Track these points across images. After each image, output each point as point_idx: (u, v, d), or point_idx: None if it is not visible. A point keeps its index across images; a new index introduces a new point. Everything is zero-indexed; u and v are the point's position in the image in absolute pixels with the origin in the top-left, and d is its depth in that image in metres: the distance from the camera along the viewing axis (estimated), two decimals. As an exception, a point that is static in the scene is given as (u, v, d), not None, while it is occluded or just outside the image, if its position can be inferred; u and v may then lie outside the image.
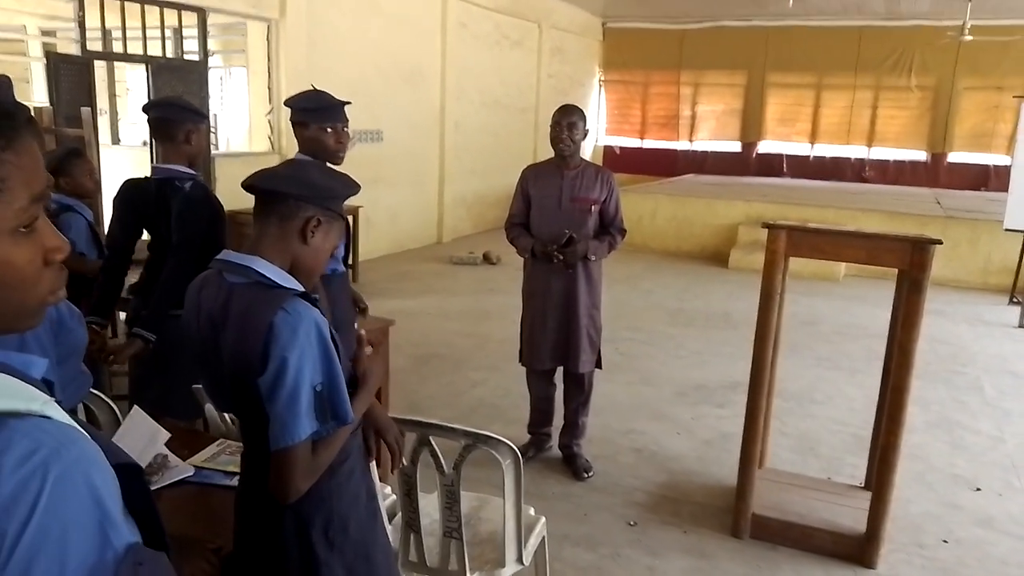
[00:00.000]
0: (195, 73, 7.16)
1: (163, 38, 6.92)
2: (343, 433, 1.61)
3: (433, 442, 2.11)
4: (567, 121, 3.65)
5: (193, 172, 2.96)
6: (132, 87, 10.22)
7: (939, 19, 12.56)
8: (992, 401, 5.26)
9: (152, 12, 6.68)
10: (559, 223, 3.71)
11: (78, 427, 0.72)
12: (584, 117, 3.72)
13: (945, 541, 3.48)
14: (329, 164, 2.85)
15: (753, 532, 3.42)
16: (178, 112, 2.94)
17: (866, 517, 3.26)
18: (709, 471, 4.08)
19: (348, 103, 2.96)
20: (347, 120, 2.94)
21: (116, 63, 9.07)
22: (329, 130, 2.87)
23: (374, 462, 1.88)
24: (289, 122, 2.96)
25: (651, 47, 15.14)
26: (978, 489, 3.98)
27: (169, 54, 7.06)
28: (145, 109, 3.04)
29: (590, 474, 3.93)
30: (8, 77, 2.04)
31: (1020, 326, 7.20)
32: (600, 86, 15.87)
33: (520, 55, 12.55)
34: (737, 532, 3.43)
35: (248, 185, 1.61)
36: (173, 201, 2.90)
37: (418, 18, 9.91)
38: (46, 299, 0.79)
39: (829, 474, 4.05)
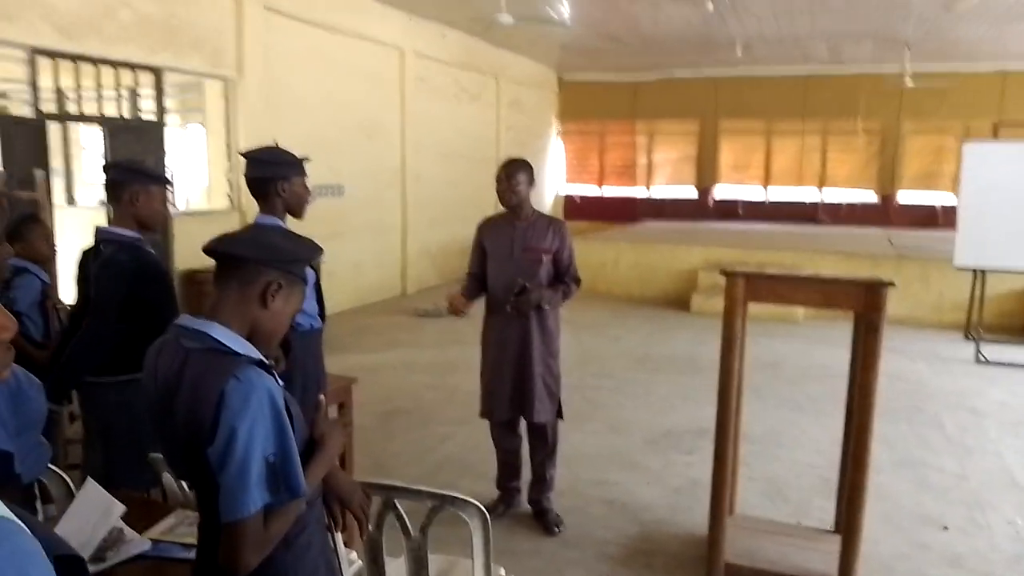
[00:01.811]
0: (152, 133, 7.12)
1: (119, 98, 6.88)
2: (297, 505, 1.56)
3: (399, 505, 2.07)
4: (506, 174, 3.73)
5: (134, 235, 2.88)
6: (87, 146, 10.12)
7: (881, 64, 13.06)
8: (953, 438, 5.33)
9: (107, 72, 6.65)
10: (512, 273, 3.74)
11: (15, 520, 0.68)
12: (527, 168, 3.78)
13: (916, 582, 3.49)
14: (289, 223, 2.85)
15: (726, 581, 3.39)
16: (126, 174, 2.91)
17: (837, 561, 3.25)
18: (680, 520, 4.06)
19: (307, 159, 2.96)
20: (305, 174, 2.95)
21: (70, 123, 8.99)
22: (288, 185, 2.86)
23: (339, 532, 1.83)
24: (246, 178, 2.94)
25: (606, 98, 15.50)
26: (945, 528, 4.01)
27: (125, 114, 7.02)
28: (103, 170, 3.01)
29: (560, 529, 3.88)
30: None
31: (977, 362, 7.36)
32: (558, 136, 16.14)
33: (478, 108, 12.73)
34: (710, 582, 3.39)
35: (208, 249, 1.59)
36: (92, 266, 2.85)
37: (376, 73, 10.02)
38: None
39: (798, 518, 4.04)
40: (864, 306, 3.04)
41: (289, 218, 2.95)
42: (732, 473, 3.49)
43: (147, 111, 7.22)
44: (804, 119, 14.34)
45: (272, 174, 2.83)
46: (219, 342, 1.52)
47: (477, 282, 3.89)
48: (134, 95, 7.11)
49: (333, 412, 3.92)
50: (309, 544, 1.64)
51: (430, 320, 9.08)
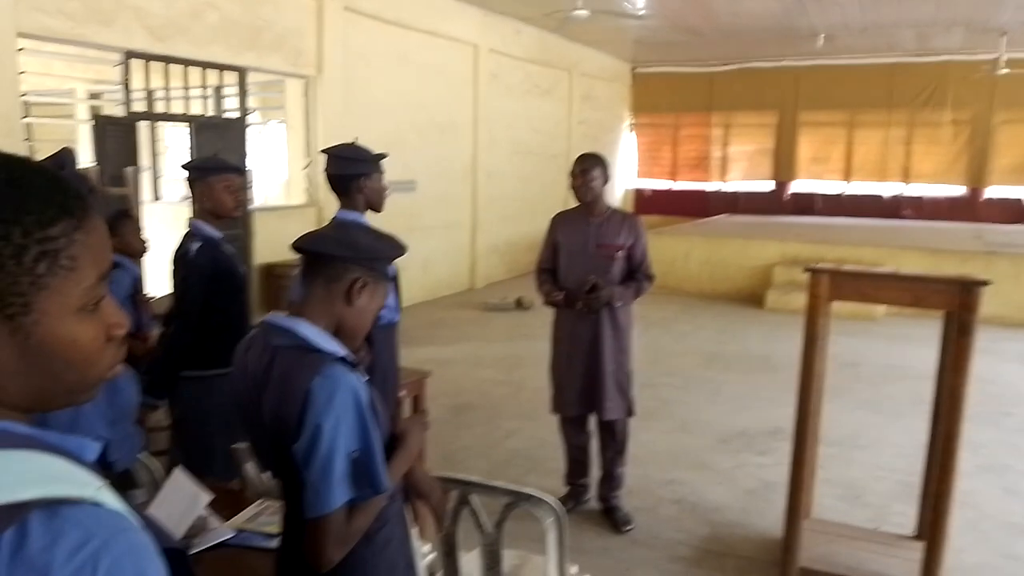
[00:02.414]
0: (234, 130, 7.36)
1: (204, 97, 7.14)
2: (379, 500, 1.60)
3: (474, 499, 2.10)
4: (581, 169, 3.72)
5: (214, 233, 3.01)
6: (171, 145, 10.54)
7: (973, 53, 12.49)
8: (1046, 444, 5.09)
9: (193, 72, 6.90)
10: (585, 269, 3.73)
11: (128, 515, 0.71)
12: (603, 163, 3.76)
13: (1004, 594, 3.35)
14: (369, 217, 2.92)
15: (801, 586, 3.32)
16: (197, 171, 3.06)
17: (918, 568, 3.15)
18: (753, 522, 3.99)
19: (385, 155, 3.03)
20: (382, 171, 3.02)
21: (158, 122, 9.37)
22: (368, 181, 2.94)
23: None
24: (327, 174, 3.02)
25: (680, 90, 15.26)
26: (1036, 538, 3.84)
27: (209, 112, 7.28)
28: (183, 168, 3.14)
29: (630, 527, 3.86)
30: (71, 149, 2.13)
31: (1071, 364, 7.00)
32: (630, 130, 15.98)
33: (551, 103, 12.71)
34: (784, 586, 3.33)
35: (297, 247, 1.64)
36: (180, 265, 2.99)
37: (451, 70, 10.12)
38: (105, 375, 0.80)
39: (877, 523, 3.93)
40: (956, 306, 2.92)
41: (369, 213, 3.02)
42: (809, 475, 3.41)
43: (231, 109, 7.47)
44: (889, 110, 13.81)
45: (353, 171, 2.90)
46: (306, 339, 1.57)
47: (550, 277, 3.89)
48: (218, 94, 7.37)
49: (407, 404, 3.99)
50: (389, 540, 1.67)
51: (498, 314, 9.14)
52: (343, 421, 1.52)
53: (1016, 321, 8.41)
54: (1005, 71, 11.11)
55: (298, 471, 1.54)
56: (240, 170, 3.22)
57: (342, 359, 1.58)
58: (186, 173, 3.08)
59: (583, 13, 8.31)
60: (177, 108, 7.04)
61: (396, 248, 1.73)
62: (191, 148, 6.98)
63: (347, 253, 1.61)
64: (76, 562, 0.64)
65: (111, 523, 0.68)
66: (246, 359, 1.65)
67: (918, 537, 3.51)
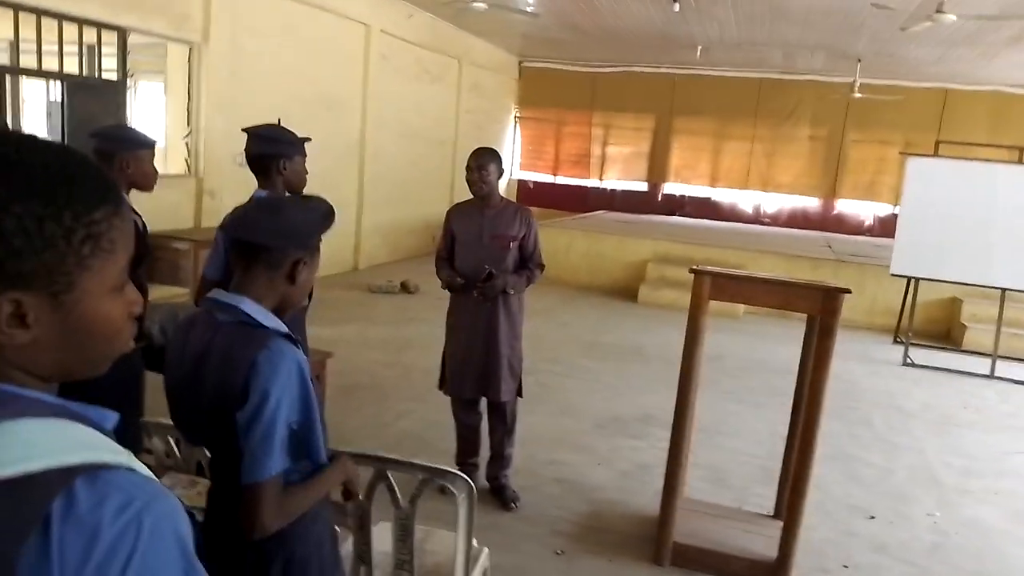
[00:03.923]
0: (112, 93, 6.98)
1: (87, 56, 6.73)
2: (321, 486, 1.68)
3: (391, 476, 2.19)
4: (477, 164, 3.86)
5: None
6: (28, 101, 9.83)
7: (831, 75, 13.53)
8: (881, 435, 5.69)
9: (69, 29, 6.49)
10: (480, 259, 3.88)
11: (157, 480, 0.77)
12: (497, 158, 3.93)
13: (845, 566, 3.76)
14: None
15: (674, 560, 3.60)
16: (113, 143, 2.97)
17: (777, 544, 3.49)
18: (629, 501, 4.27)
19: (308, 139, 3.05)
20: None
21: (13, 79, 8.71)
22: (290, 164, 2.95)
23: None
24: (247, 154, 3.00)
25: (565, 87, 15.65)
26: (872, 517, 4.31)
27: (85, 72, 6.87)
28: (90, 137, 3.02)
29: (517, 505, 4.05)
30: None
31: (904, 364, 7.79)
32: (516, 122, 16.24)
33: (439, 89, 12.74)
34: (659, 560, 3.60)
35: (233, 237, 1.67)
36: None
37: (341, 48, 9.96)
38: (124, 348, 0.86)
39: (740, 503, 4.29)
40: (820, 310, 3.26)
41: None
42: (685, 459, 3.70)
43: (108, 70, 7.07)
44: (755, 123, 14.77)
45: (275, 151, 2.89)
46: (250, 316, 1.62)
47: (448, 264, 4.00)
48: (93, 53, 6.95)
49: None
50: (317, 515, 1.74)
51: (384, 296, 9.14)
52: (287, 392, 1.58)
53: (859, 324, 9.25)
54: (858, 95, 12.12)
55: (236, 440, 1.58)
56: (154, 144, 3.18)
57: (286, 335, 1.64)
58: (102, 144, 2.96)
59: (481, 6, 8.40)
60: (49, 66, 6.60)
61: (328, 215, 1.75)
62: (63, 109, 6.58)
63: (286, 243, 1.65)
64: (122, 521, 0.70)
65: (147, 487, 0.74)
66: (188, 336, 1.67)
67: (776, 516, 3.89)
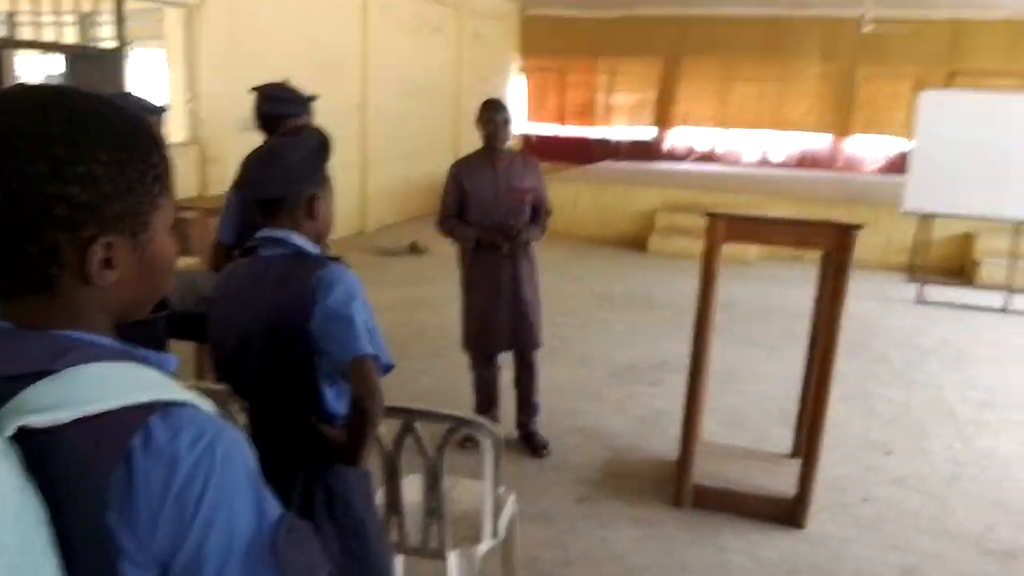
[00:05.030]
0: (111, 62, 6.92)
1: (82, 25, 6.67)
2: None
3: (417, 427, 2.22)
4: (501, 117, 3.82)
5: None
6: (20, 75, 9.74)
7: (841, 9, 13.20)
8: (899, 371, 5.71)
9: (64, -3, 6.43)
10: (498, 213, 3.87)
11: (220, 415, 0.82)
12: (509, 109, 3.93)
13: (865, 500, 3.81)
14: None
15: (694, 501, 3.65)
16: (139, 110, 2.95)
17: (795, 482, 3.53)
18: (647, 446, 4.32)
19: (316, 97, 3.04)
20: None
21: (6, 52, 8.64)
22: (297, 122, 2.94)
23: None
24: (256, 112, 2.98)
25: (568, 34, 15.34)
26: (890, 452, 4.35)
27: (82, 41, 6.81)
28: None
29: (548, 450, 4.11)
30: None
31: (919, 302, 7.77)
32: (519, 73, 16.01)
33: (439, 41, 12.55)
34: (679, 502, 3.66)
35: (253, 198, 1.77)
36: None
37: (338, 5, 9.81)
38: (169, 286, 0.93)
39: (757, 445, 4.34)
40: (835, 247, 3.25)
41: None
42: (701, 403, 3.73)
43: (105, 38, 7.01)
44: (764, 62, 14.48)
45: (282, 110, 2.88)
46: (300, 247, 1.72)
47: (462, 222, 3.98)
48: (90, 21, 6.88)
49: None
50: (366, 472, 1.84)
51: (392, 258, 9.14)
52: (357, 297, 1.69)
53: (873, 263, 9.20)
54: (868, 29, 11.85)
55: (308, 355, 1.67)
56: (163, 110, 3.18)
57: (336, 258, 1.75)
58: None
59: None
60: (47, 37, 6.54)
61: (322, 146, 1.81)
62: (64, 81, 6.53)
63: (294, 186, 1.73)
64: (196, 452, 0.75)
65: (214, 421, 0.79)
66: (228, 280, 1.75)
67: (794, 455, 3.92)
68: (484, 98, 4.02)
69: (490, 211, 3.89)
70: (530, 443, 4.17)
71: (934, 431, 4.67)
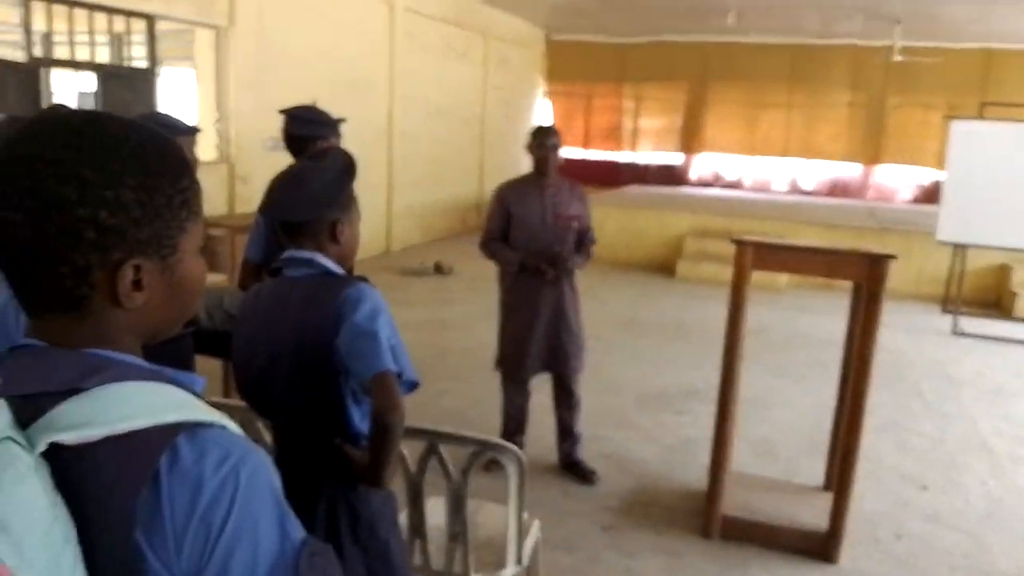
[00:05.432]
0: (143, 81, 7.03)
1: (114, 45, 6.79)
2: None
3: (441, 449, 2.17)
4: (551, 143, 3.81)
5: None
6: (56, 94, 9.92)
7: (871, 39, 13.13)
8: (932, 405, 5.56)
9: (99, 18, 6.53)
10: (544, 239, 3.85)
11: (246, 437, 0.82)
12: (559, 134, 3.95)
13: (898, 536, 3.69)
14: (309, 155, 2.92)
15: (723, 532, 3.56)
16: (171, 130, 2.97)
17: (827, 515, 3.43)
18: (675, 475, 4.22)
19: (344, 120, 3.03)
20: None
21: (43, 70, 8.81)
22: (326, 144, 2.93)
23: None
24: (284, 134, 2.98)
25: (594, 60, 15.40)
26: (925, 487, 4.22)
27: (116, 61, 6.92)
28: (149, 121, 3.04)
29: (598, 477, 4.06)
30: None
31: (954, 333, 7.60)
32: (545, 97, 16.07)
33: (466, 66, 12.64)
34: (708, 533, 3.56)
35: (280, 221, 1.79)
36: None
37: (366, 28, 9.92)
38: (197, 308, 0.93)
39: (788, 476, 4.22)
40: (867, 277, 3.17)
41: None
42: (731, 432, 3.64)
43: (137, 58, 7.12)
44: (792, 89, 14.40)
45: (311, 133, 2.88)
46: (326, 267, 1.73)
47: (506, 246, 3.96)
48: (121, 42, 6.99)
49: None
50: (390, 494, 1.81)
51: (417, 279, 9.13)
52: (382, 314, 1.69)
53: (905, 294, 9.03)
54: (899, 58, 11.77)
55: (334, 372, 1.68)
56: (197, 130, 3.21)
57: (362, 278, 1.75)
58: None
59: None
60: (79, 56, 6.65)
61: (346, 170, 1.81)
62: (97, 99, 6.63)
63: (318, 211, 1.74)
64: (222, 473, 0.75)
65: (240, 442, 0.79)
66: (256, 301, 1.76)
67: (826, 488, 3.81)
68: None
69: (536, 237, 3.87)
70: (577, 471, 4.11)
71: (968, 466, 4.53)
